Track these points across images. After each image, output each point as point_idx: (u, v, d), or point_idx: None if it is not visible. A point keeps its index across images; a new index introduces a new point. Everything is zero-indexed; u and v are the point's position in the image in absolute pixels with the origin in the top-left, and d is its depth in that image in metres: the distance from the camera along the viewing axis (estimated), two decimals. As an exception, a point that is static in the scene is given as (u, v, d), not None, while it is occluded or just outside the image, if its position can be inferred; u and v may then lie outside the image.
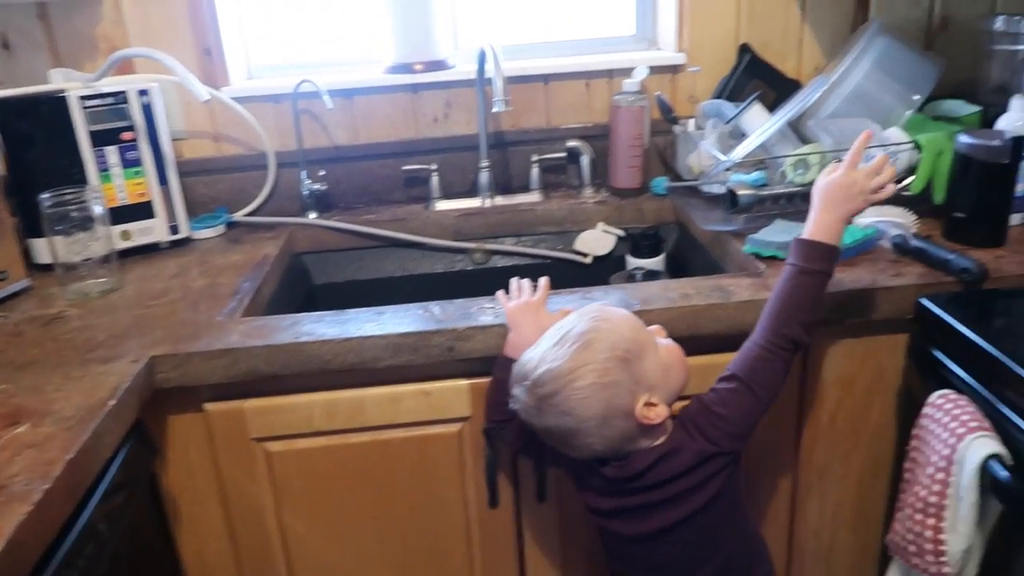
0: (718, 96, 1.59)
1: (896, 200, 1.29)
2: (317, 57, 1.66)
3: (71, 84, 1.37)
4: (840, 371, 1.17)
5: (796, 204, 1.34)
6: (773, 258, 1.21)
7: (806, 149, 1.36)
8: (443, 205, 1.60)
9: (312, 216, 1.57)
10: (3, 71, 1.46)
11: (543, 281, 1.08)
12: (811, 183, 1.31)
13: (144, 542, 1.06)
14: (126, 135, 1.37)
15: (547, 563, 1.22)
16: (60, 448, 0.82)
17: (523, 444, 1.04)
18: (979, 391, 0.98)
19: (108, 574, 0.87)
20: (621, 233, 1.56)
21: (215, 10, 1.51)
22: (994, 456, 0.89)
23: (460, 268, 1.59)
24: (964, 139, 1.20)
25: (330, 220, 1.55)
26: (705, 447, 0.91)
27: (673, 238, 1.57)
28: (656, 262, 1.46)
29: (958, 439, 0.93)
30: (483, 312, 1.10)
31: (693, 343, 1.00)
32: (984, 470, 0.90)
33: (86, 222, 1.22)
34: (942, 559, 0.95)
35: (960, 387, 1.01)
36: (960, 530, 0.93)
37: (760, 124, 1.43)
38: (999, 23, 1.46)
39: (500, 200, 1.61)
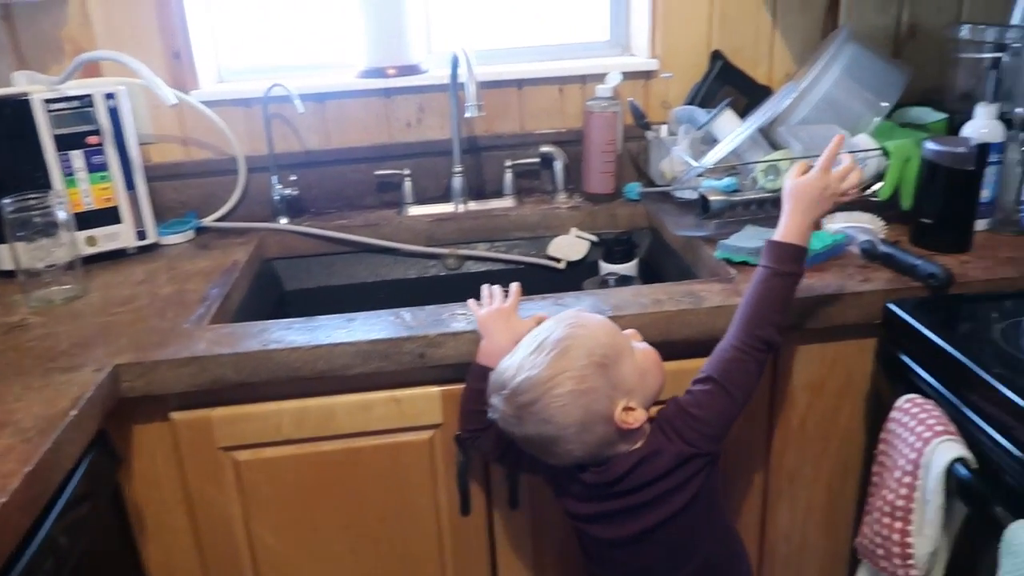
0: (690, 102, 1.59)
1: (865, 206, 1.31)
2: (289, 60, 1.64)
3: (35, 87, 1.34)
4: (810, 375, 1.18)
5: (767, 210, 1.35)
6: (744, 263, 1.21)
7: (777, 155, 1.37)
8: (416, 210, 1.59)
9: (283, 221, 1.55)
10: (-35, 73, 1.43)
11: (514, 287, 1.08)
12: (781, 189, 1.33)
13: (108, 555, 1.04)
14: (92, 139, 1.34)
15: (520, 570, 1.22)
16: (18, 460, 0.80)
17: (500, 452, 1.03)
18: (945, 395, 0.99)
19: (69, 588, 0.86)
20: (594, 238, 1.56)
21: (184, 13, 1.49)
22: (959, 460, 0.90)
23: (433, 274, 1.58)
24: (930, 146, 1.22)
25: (301, 225, 1.53)
26: (683, 449, 0.92)
27: (646, 243, 1.58)
28: (629, 267, 1.47)
29: (924, 443, 0.94)
30: (455, 318, 1.09)
31: (665, 348, 1.00)
32: (950, 473, 0.91)
33: (50, 228, 1.20)
34: (909, 562, 0.96)
35: (927, 391, 1.02)
36: (927, 533, 0.94)
37: (731, 130, 1.44)
38: (964, 31, 1.48)
39: (473, 205, 1.60)
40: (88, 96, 1.33)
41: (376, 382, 1.08)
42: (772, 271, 0.96)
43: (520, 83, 1.62)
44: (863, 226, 1.27)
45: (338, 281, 1.55)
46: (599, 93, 1.54)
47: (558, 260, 1.56)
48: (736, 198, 1.34)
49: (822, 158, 1.00)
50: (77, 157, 1.34)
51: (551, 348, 0.87)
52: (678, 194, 1.50)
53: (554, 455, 0.91)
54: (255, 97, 1.53)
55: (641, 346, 0.94)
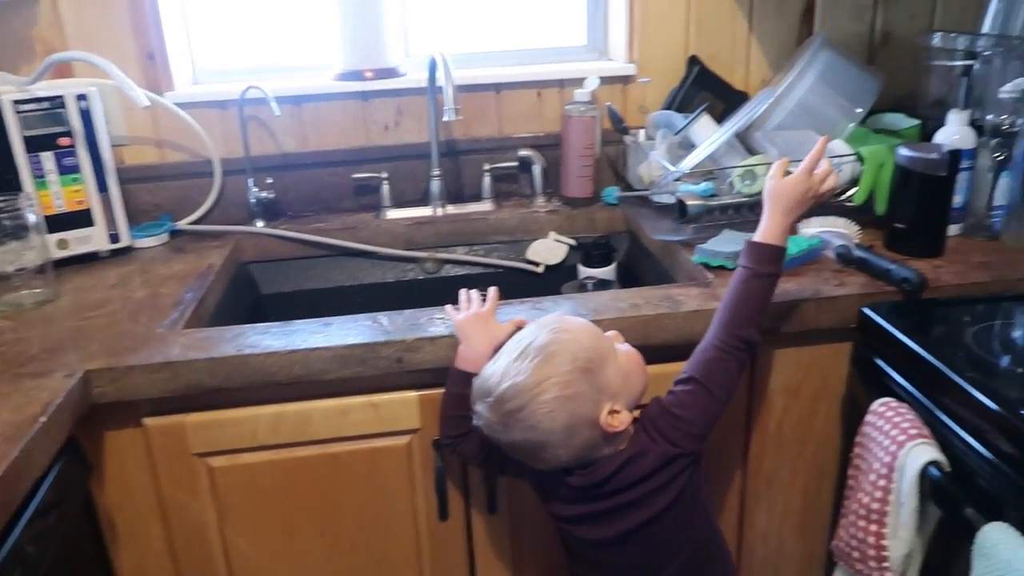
0: (668, 107, 1.60)
1: (840, 211, 1.32)
2: (265, 62, 1.63)
3: (5, 87, 1.32)
4: (786, 379, 1.19)
5: (744, 214, 1.36)
6: (722, 268, 1.22)
7: (753, 160, 1.38)
8: (394, 214, 1.58)
9: (259, 224, 1.54)
10: (-68, 73, 1.40)
11: (492, 292, 1.08)
12: (758, 193, 1.34)
13: (78, 564, 1.02)
14: (63, 140, 1.32)
15: (499, 575, 1.21)
16: (-15, 468, 0.78)
17: (483, 457, 1.03)
18: (919, 398, 1.00)
19: (38, 599, 0.84)
20: (573, 242, 1.57)
21: (158, 13, 1.47)
22: (933, 463, 0.91)
23: (411, 277, 1.57)
24: (904, 152, 1.23)
25: (278, 228, 1.52)
26: (667, 449, 0.92)
27: (624, 247, 1.58)
28: (607, 271, 1.47)
29: (899, 446, 0.95)
30: (433, 323, 1.09)
31: (643, 352, 1.00)
32: (924, 476, 0.92)
33: (19, 230, 1.18)
34: (884, 564, 0.97)
35: (901, 395, 1.03)
36: (901, 536, 0.95)
37: (708, 135, 1.45)
38: (936, 39, 1.50)
39: (451, 209, 1.60)
40: (59, 97, 1.31)
41: (353, 387, 1.08)
42: (752, 272, 0.97)
43: (498, 87, 1.61)
44: (838, 231, 1.28)
45: (315, 285, 1.54)
46: (577, 97, 1.55)
47: (536, 264, 1.56)
48: (713, 203, 1.35)
49: (806, 160, 1.01)
50: (48, 159, 1.32)
51: (535, 354, 0.87)
52: (656, 198, 1.51)
53: (540, 460, 0.91)
54: (231, 99, 1.51)
55: (624, 348, 0.95)
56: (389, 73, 1.56)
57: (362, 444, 1.10)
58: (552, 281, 1.53)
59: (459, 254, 1.57)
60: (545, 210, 1.60)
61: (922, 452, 0.92)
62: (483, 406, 0.89)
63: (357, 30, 1.53)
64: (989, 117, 1.29)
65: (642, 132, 1.58)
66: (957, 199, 1.27)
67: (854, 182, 1.34)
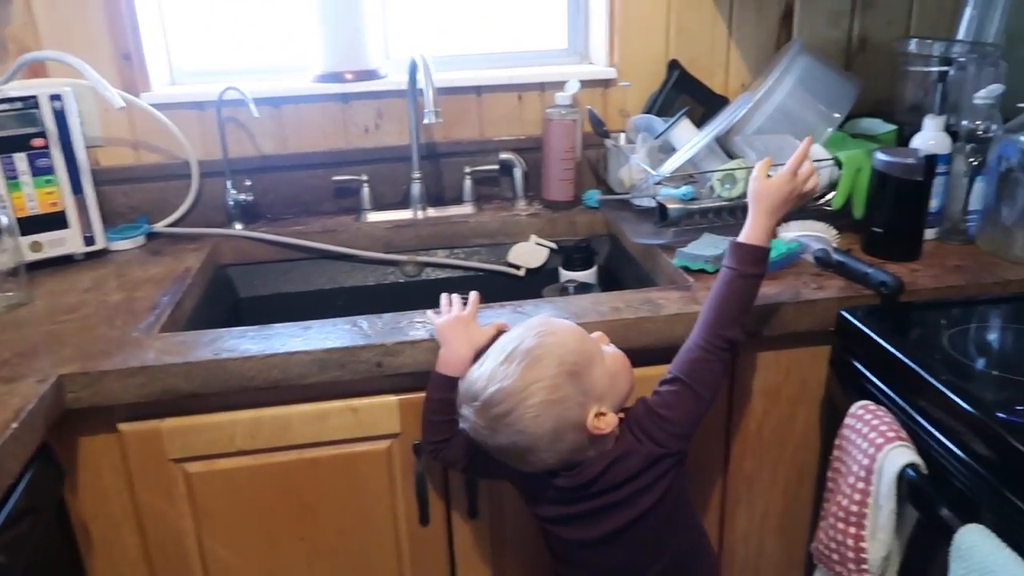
0: (648, 111, 1.61)
1: (818, 215, 1.33)
2: (244, 63, 1.61)
3: (-24, 87, 1.29)
4: (765, 382, 1.19)
5: (724, 218, 1.36)
6: (702, 271, 1.23)
7: (733, 164, 1.39)
8: (374, 217, 1.57)
9: (238, 227, 1.52)
10: (-99, 72, 1.37)
11: (473, 296, 1.07)
12: (738, 197, 1.35)
13: (51, 573, 1.00)
14: (37, 141, 1.30)
15: (479, 580, 1.21)
16: (-45, 476, 0.77)
17: (467, 462, 1.02)
18: (897, 401, 1.01)
19: (9, 609, 0.82)
20: (554, 246, 1.57)
21: (135, 13, 1.45)
22: (911, 465, 0.92)
23: (392, 281, 1.57)
24: (881, 157, 1.24)
25: (257, 231, 1.51)
26: (653, 450, 0.93)
27: (605, 251, 1.58)
28: (588, 275, 1.47)
29: (877, 449, 0.95)
30: (413, 326, 1.08)
31: (624, 356, 1.01)
32: (901, 479, 0.92)
33: (-9, 233, 1.16)
34: (863, 567, 0.97)
35: (879, 397, 1.04)
36: (880, 538, 0.96)
37: (688, 139, 1.46)
38: (912, 45, 1.52)
39: (432, 212, 1.59)
40: (32, 97, 1.29)
41: (332, 391, 1.07)
42: (737, 272, 0.98)
43: (479, 90, 1.61)
44: (817, 235, 1.29)
45: (294, 288, 1.53)
46: (558, 101, 1.55)
47: (518, 267, 1.56)
48: (693, 206, 1.35)
49: (791, 160, 1.02)
50: (21, 160, 1.29)
51: (522, 358, 0.87)
52: (636, 202, 1.51)
53: (527, 463, 0.91)
54: (209, 100, 1.49)
55: (610, 350, 0.95)
56: (369, 75, 1.55)
57: (342, 449, 1.09)
58: (533, 284, 1.53)
59: (440, 257, 1.57)
60: (526, 213, 1.60)
61: (900, 455, 0.93)
62: (469, 410, 0.89)
63: (337, 32, 1.53)
64: (964, 123, 1.31)
65: (623, 136, 1.58)
66: (933, 204, 1.29)
67: (832, 186, 1.35)
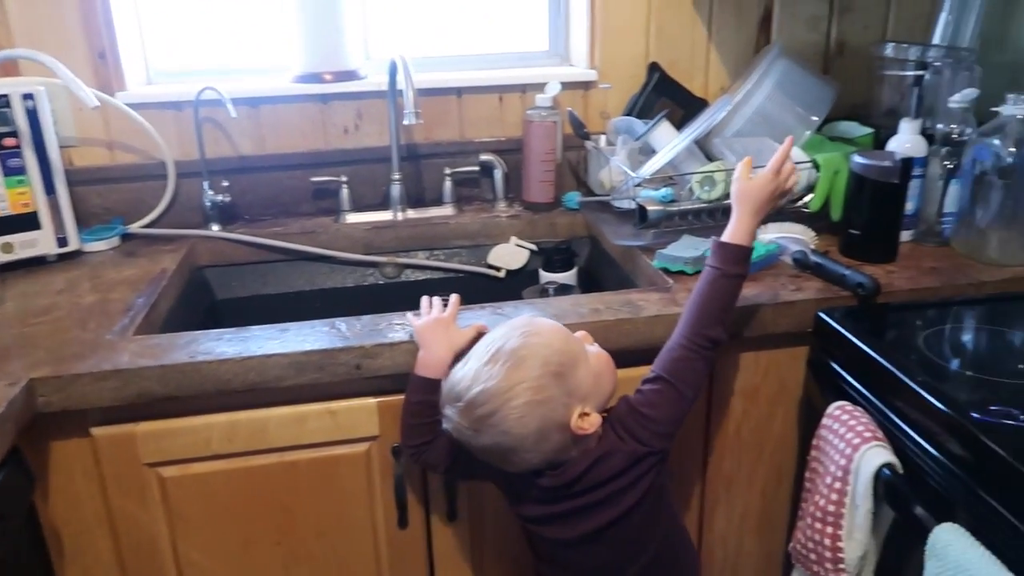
0: (628, 113, 1.61)
1: (797, 217, 1.34)
2: (222, 63, 1.60)
3: (-54, 85, 1.27)
4: (744, 383, 1.20)
5: (703, 220, 1.37)
6: (681, 272, 1.23)
7: (712, 166, 1.40)
8: (353, 218, 1.56)
9: (215, 228, 1.51)
10: None
11: (453, 298, 1.07)
12: (717, 199, 1.35)
13: (22, 579, 0.99)
14: (8, 141, 1.28)
15: (459, 583, 1.20)
16: (-80, 482, 0.75)
17: (449, 464, 1.02)
18: (873, 401, 1.02)
19: (-23, 617, 0.81)
20: (534, 247, 1.56)
21: (110, 11, 1.43)
22: (887, 465, 0.93)
23: (371, 282, 1.56)
24: (858, 159, 1.25)
25: (234, 232, 1.49)
26: (636, 448, 0.93)
27: (585, 252, 1.58)
28: (569, 276, 1.47)
29: (854, 449, 0.96)
30: (392, 328, 1.07)
31: (603, 358, 1.01)
32: (878, 479, 0.93)
33: (-39, 234, 1.14)
34: (840, 566, 0.98)
35: (856, 398, 1.05)
36: (856, 537, 0.96)
37: (668, 141, 1.46)
38: (889, 50, 1.53)
39: (412, 213, 1.58)
40: (4, 96, 1.27)
41: (310, 394, 1.06)
42: (720, 272, 0.98)
43: (460, 91, 1.61)
44: (795, 237, 1.30)
45: (272, 290, 1.52)
46: (539, 102, 1.55)
47: (498, 269, 1.56)
48: (673, 208, 1.36)
49: (773, 159, 1.03)
50: (-8, 160, 1.27)
51: (506, 358, 0.86)
52: (616, 204, 1.51)
53: (511, 463, 0.90)
54: (186, 100, 1.48)
55: (593, 349, 0.95)
56: (349, 76, 1.54)
57: (320, 452, 1.08)
58: (513, 286, 1.53)
59: (420, 259, 1.56)
60: (506, 215, 1.59)
61: (876, 455, 0.94)
62: (453, 410, 0.88)
63: (316, 32, 1.51)
64: (940, 126, 1.32)
65: (603, 138, 1.59)
66: (909, 206, 1.30)
67: (810, 189, 1.36)
